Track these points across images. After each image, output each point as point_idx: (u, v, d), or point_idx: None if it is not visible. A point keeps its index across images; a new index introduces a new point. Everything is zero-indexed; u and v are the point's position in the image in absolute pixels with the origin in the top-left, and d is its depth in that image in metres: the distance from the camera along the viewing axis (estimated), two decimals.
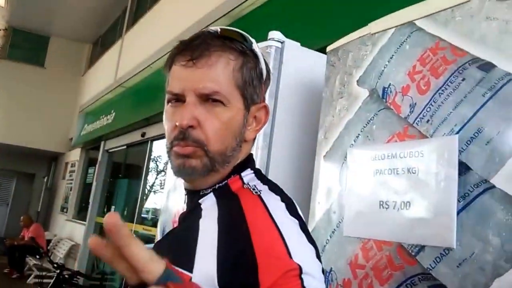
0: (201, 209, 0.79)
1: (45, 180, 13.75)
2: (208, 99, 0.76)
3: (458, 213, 1.16)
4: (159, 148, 7.16)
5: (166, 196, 2.54)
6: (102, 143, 9.44)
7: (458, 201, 1.16)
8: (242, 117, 0.81)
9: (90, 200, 9.32)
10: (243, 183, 0.81)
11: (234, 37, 0.81)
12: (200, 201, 0.81)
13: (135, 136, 7.77)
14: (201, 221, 0.75)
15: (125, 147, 8.48)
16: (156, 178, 7.60)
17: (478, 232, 1.11)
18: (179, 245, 0.76)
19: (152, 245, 0.84)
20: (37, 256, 8.94)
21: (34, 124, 11.68)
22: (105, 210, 9.22)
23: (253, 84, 0.82)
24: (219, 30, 0.80)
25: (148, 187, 7.66)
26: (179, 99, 0.78)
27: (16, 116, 11.63)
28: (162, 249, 0.82)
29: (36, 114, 11.76)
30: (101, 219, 9.07)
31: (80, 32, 11.98)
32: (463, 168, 1.16)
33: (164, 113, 0.82)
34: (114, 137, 8.87)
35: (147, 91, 7.18)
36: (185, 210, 0.88)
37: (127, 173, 8.86)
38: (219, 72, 0.77)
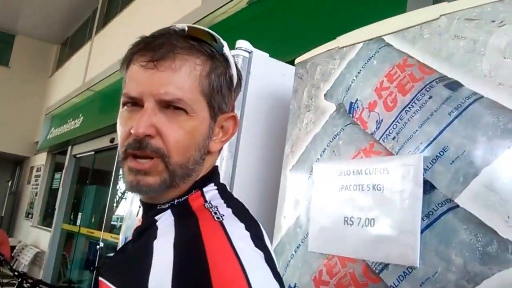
0: (156, 228, 0.73)
1: (9, 184, 13.41)
2: (169, 106, 0.69)
3: (422, 231, 1.16)
4: None
5: (130, 202, 2.49)
6: (70, 147, 9.30)
7: (422, 219, 1.16)
8: (207, 127, 0.74)
9: (56, 206, 9.18)
10: (205, 200, 0.75)
11: (203, 38, 0.73)
12: (156, 217, 0.75)
13: (103, 142, 7.66)
14: (155, 243, 0.69)
15: (93, 152, 8.36)
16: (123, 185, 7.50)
17: (441, 251, 1.11)
18: (130, 267, 0.71)
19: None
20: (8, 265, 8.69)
21: None
22: (72, 217, 9.06)
23: (222, 92, 0.75)
24: (186, 28, 0.73)
25: (117, 194, 7.55)
26: (136, 103, 0.71)
27: None
28: (113, 268, 0.78)
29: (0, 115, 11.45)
30: (67, 226, 8.90)
31: (48, 32, 11.74)
32: (428, 187, 1.16)
33: (118, 116, 0.75)
34: (82, 142, 8.74)
35: (117, 96, 7.07)
36: (140, 223, 0.81)
37: (95, 179, 8.73)
38: (184, 78, 0.70)
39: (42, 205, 10.72)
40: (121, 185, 7.51)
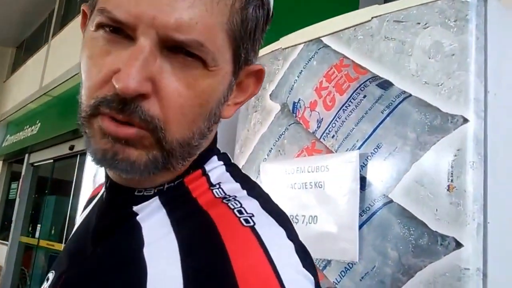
0: (139, 226, 0.52)
1: None
2: (179, 49, 0.46)
3: (360, 227, 1.23)
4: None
5: (80, 212, 2.49)
6: (26, 156, 9.13)
7: (360, 215, 1.23)
8: (226, 87, 0.52)
9: (13, 218, 8.97)
10: (210, 184, 0.54)
11: None
12: (135, 209, 0.53)
13: (62, 149, 7.56)
14: (147, 255, 0.48)
15: (51, 160, 8.23)
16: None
17: (378, 245, 1.19)
18: (111, 282, 0.49)
19: None
20: None
21: None
22: (30, 229, 8.89)
23: (255, 35, 0.52)
24: None
25: (79, 204, 7.45)
26: (121, 30, 0.46)
27: None
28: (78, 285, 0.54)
29: None
30: (26, 238, 8.72)
31: (1, 34, 11.51)
32: (365, 183, 1.24)
33: (85, 40, 0.50)
34: (40, 149, 8.60)
35: (75, 101, 7.00)
36: (100, 205, 0.59)
37: (54, 189, 8.58)
38: (209, 8, 0.46)
39: None
40: (83, 195, 7.44)
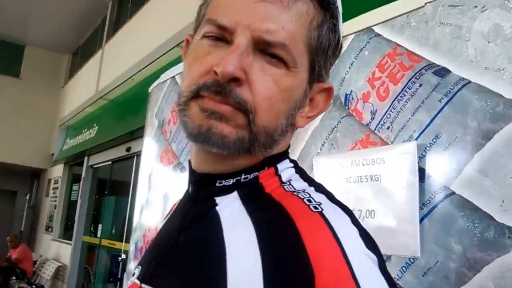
0: (217, 216, 0.59)
1: (28, 197, 13.69)
2: (266, 51, 0.55)
3: (420, 221, 1.20)
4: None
5: (139, 211, 2.56)
6: (86, 158, 9.43)
7: (421, 208, 1.20)
8: (302, 93, 0.60)
9: (76, 219, 9.30)
10: (281, 181, 0.61)
11: None
12: (217, 199, 0.61)
13: (120, 151, 7.77)
14: (226, 236, 0.56)
15: (110, 162, 8.48)
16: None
17: (441, 239, 1.15)
18: (196, 262, 0.56)
19: None
20: (25, 279, 8.91)
21: (13, 138, 11.60)
22: (92, 229, 9.20)
23: (327, 53, 0.61)
24: None
25: (137, 204, 7.66)
26: (222, 37, 0.56)
27: None
28: (166, 268, 0.61)
29: (14, 128, 11.66)
30: (88, 238, 9.06)
31: (58, 42, 11.94)
32: (423, 175, 1.20)
33: (192, 49, 0.61)
34: (98, 152, 8.86)
35: (130, 104, 7.20)
36: (183, 205, 0.68)
37: (113, 189, 8.85)
38: (294, 19, 0.56)
39: (61, 218, 10.89)
40: (140, 195, 7.63)
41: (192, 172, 0.65)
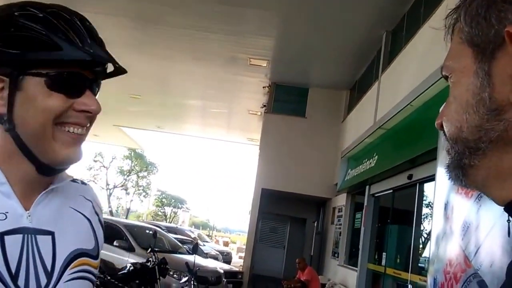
0: None
1: (315, 224, 14.72)
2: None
3: None
4: (430, 191, 6.86)
5: (434, 243, 2.41)
6: (367, 187, 9.62)
7: None
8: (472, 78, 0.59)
9: (360, 246, 9.50)
10: None
11: None
12: None
13: (400, 179, 7.67)
14: None
15: (391, 191, 8.44)
16: (429, 224, 7.32)
17: None
18: None
19: None
20: None
21: (302, 171, 12.80)
22: (376, 256, 9.25)
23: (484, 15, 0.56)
24: None
25: (422, 234, 7.41)
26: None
27: (286, 165, 12.95)
28: None
29: (302, 162, 12.88)
30: (373, 266, 9.13)
31: (336, 80, 12.76)
32: None
33: None
34: (379, 181, 8.94)
35: (409, 131, 7.07)
36: None
37: (395, 218, 8.76)
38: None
39: (346, 245, 11.29)
40: (436, 225, 7.33)
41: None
